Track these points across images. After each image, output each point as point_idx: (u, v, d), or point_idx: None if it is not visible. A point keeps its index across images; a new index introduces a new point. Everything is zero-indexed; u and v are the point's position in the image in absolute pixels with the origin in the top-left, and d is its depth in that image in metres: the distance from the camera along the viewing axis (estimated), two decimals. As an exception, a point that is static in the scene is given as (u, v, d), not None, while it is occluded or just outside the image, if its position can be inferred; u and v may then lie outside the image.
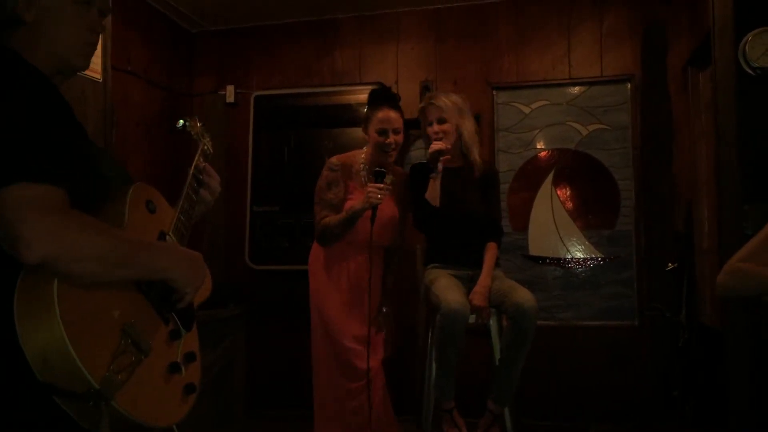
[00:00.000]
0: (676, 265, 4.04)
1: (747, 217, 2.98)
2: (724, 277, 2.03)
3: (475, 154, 3.29)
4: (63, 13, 1.47)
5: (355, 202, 3.14)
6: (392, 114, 3.20)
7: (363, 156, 3.32)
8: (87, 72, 3.06)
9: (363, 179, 3.25)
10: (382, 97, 3.29)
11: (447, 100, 3.26)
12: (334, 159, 3.32)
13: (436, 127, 3.26)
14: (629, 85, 4.32)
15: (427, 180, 3.20)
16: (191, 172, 1.75)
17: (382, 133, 3.17)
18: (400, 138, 3.22)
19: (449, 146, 3.22)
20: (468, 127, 3.28)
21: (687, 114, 4.13)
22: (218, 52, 5.01)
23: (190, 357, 1.53)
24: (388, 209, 3.23)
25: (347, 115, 4.50)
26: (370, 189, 3.04)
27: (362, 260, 3.19)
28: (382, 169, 3.08)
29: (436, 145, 3.17)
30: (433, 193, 3.18)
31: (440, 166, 3.17)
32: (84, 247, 1.23)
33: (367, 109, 3.28)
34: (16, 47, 1.43)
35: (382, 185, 3.03)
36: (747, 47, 3.07)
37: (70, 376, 1.18)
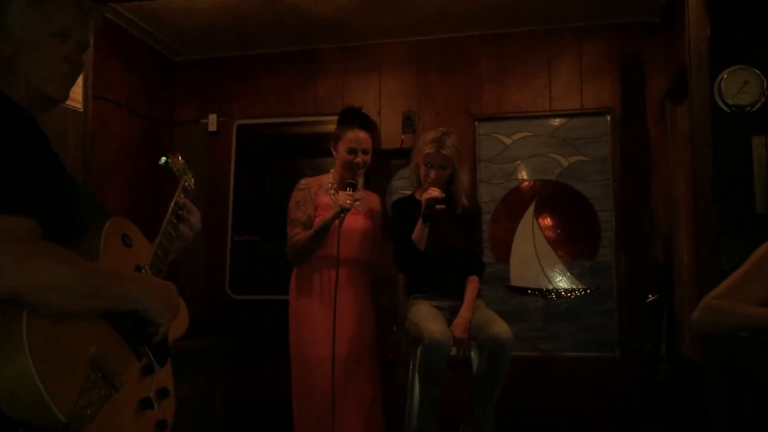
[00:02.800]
0: (656, 296, 4.06)
1: (723, 250, 3.01)
2: (699, 314, 2.04)
3: (464, 198, 3.31)
4: (39, 47, 1.48)
5: (325, 215, 3.17)
6: (362, 134, 3.29)
7: (330, 176, 3.40)
8: (68, 101, 3.05)
9: (331, 195, 3.31)
10: (354, 116, 3.36)
11: (453, 149, 3.26)
12: (302, 180, 3.41)
13: (434, 174, 3.25)
14: (609, 118, 4.37)
15: (411, 216, 3.20)
16: (171, 207, 1.75)
17: (352, 152, 3.26)
18: (368, 158, 3.31)
19: (445, 195, 3.22)
20: (464, 174, 3.31)
21: (665, 146, 4.18)
22: (200, 81, 5.01)
23: (163, 393, 1.51)
24: (357, 223, 3.27)
25: (329, 145, 4.52)
26: (341, 194, 3.13)
27: (331, 274, 3.20)
28: (353, 181, 3.17)
29: (434, 192, 3.16)
30: (420, 237, 3.17)
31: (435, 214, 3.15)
32: (52, 278, 1.22)
33: (338, 126, 3.35)
34: None
35: (352, 193, 3.11)
36: (722, 84, 3.12)
37: (38, 409, 1.17)
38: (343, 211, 3.06)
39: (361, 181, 3.42)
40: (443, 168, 3.26)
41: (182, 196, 1.82)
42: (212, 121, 4.88)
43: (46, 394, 1.15)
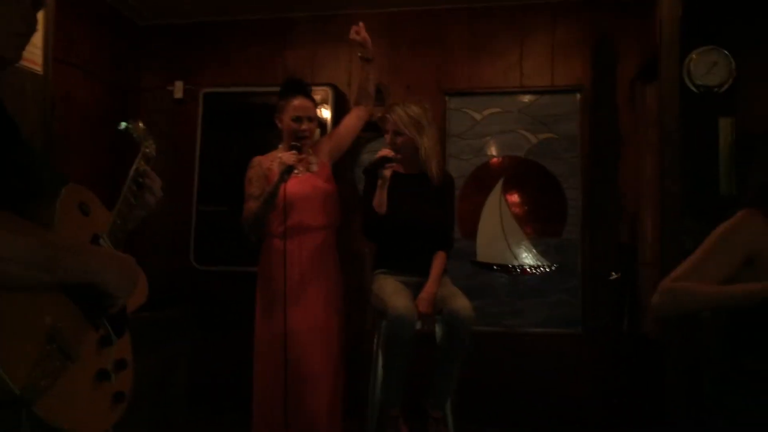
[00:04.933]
0: (619, 275, 4.11)
1: (687, 231, 3.05)
2: (659, 298, 2.06)
3: (433, 168, 3.29)
4: None
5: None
6: (307, 102, 3.31)
7: (279, 151, 3.37)
8: (28, 64, 2.97)
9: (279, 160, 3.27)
10: (297, 86, 3.36)
11: (404, 113, 3.28)
12: (253, 158, 3.39)
13: (388, 139, 3.31)
14: (579, 96, 4.37)
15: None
16: (131, 174, 1.70)
17: (297, 120, 3.27)
18: (313, 126, 3.32)
19: (399, 156, 3.22)
20: (426, 141, 3.28)
21: (634, 127, 4.21)
22: (167, 47, 4.90)
23: (120, 364, 1.49)
24: (309, 185, 3.25)
25: (274, 118, 4.48)
26: (284, 153, 3.13)
27: (284, 244, 3.18)
28: (296, 143, 3.16)
29: (383, 152, 3.18)
30: (380, 201, 3.17)
31: (386, 173, 3.15)
32: (7, 249, 1.18)
33: (281, 98, 3.35)
34: None
35: (297, 153, 3.10)
36: (691, 65, 3.14)
37: None
38: (288, 170, 3.04)
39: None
40: (397, 134, 3.29)
41: (143, 163, 1.77)
42: (178, 89, 4.79)
43: None
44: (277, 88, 4.56)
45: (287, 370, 3.08)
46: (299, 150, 3.12)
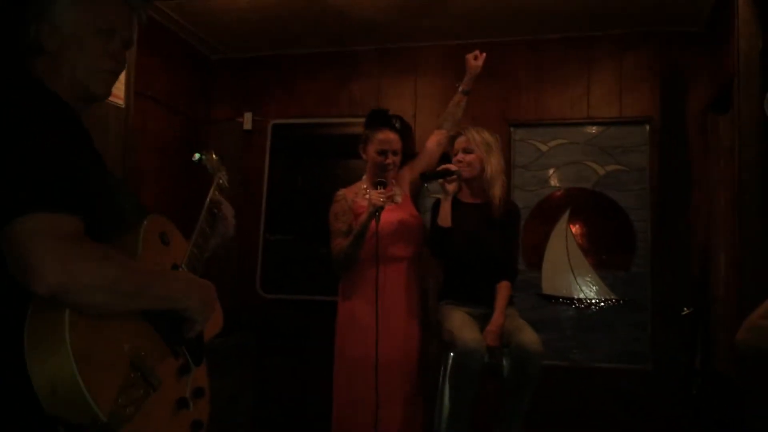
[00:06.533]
0: (691, 310, 3.99)
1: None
2: (745, 335, 2.00)
3: (496, 192, 3.27)
4: (85, 43, 1.47)
5: (361, 218, 3.15)
6: (391, 135, 3.29)
7: (363, 182, 3.38)
8: (111, 98, 3.08)
9: (366, 198, 3.26)
10: (382, 118, 3.35)
11: (476, 133, 3.32)
12: (338, 192, 3.39)
13: (460, 156, 3.31)
14: (647, 127, 4.30)
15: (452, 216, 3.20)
16: (206, 205, 1.74)
17: (382, 153, 3.26)
18: (398, 159, 3.30)
19: (467, 175, 3.24)
20: (493, 163, 3.28)
21: (705, 158, 4.10)
22: (237, 80, 5.04)
23: (198, 392, 1.51)
24: (397, 216, 3.24)
25: (359, 148, 4.53)
26: (372, 193, 3.12)
27: (373, 275, 3.14)
28: (382, 179, 3.15)
29: (446, 165, 3.23)
30: (444, 214, 3.19)
31: (449, 187, 3.19)
32: (96, 278, 1.21)
33: (366, 129, 3.35)
34: (39, 75, 1.44)
35: (384, 190, 3.10)
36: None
37: (78, 408, 1.16)
38: (377, 209, 3.04)
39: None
40: (468, 151, 3.30)
41: (216, 194, 1.82)
42: (247, 120, 4.91)
43: (87, 392, 1.15)
44: (342, 119, 4.67)
45: (378, 396, 3.03)
46: (384, 185, 3.13)
